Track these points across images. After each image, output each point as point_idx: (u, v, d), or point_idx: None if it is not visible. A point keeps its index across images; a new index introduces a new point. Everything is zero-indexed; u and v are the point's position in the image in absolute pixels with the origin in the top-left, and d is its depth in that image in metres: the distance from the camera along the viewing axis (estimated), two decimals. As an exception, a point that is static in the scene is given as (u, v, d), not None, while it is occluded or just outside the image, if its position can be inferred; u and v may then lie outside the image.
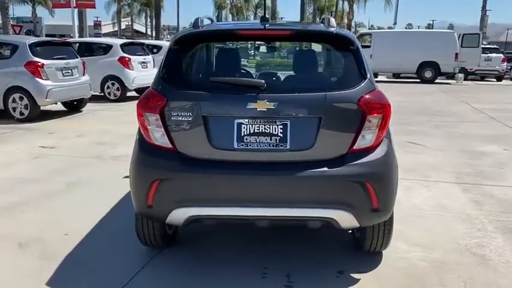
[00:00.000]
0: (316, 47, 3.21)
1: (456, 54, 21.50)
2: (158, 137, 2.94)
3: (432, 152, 6.80)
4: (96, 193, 4.71)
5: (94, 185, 4.98)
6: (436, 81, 21.90)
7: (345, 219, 2.87)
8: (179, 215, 2.93)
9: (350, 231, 3.59)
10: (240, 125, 2.86)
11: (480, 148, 7.10)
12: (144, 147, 3.00)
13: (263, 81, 2.87)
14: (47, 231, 3.77)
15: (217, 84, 2.94)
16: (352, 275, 3.13)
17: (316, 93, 2.88)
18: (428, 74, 22.04)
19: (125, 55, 12.32)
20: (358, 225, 2.95)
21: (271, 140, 2.86)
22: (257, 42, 3.24)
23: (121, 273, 3.13)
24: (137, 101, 3.04)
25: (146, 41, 17.96)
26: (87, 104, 10.52)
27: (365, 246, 3.31)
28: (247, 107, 2.83)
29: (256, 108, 2.82)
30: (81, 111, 10.27)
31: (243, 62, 3.16)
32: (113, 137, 7.36)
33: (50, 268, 3.17)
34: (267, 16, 3.23)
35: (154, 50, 15.27)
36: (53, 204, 4.40)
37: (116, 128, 8.07)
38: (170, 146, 2.93)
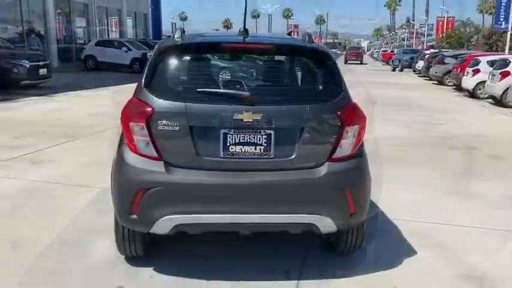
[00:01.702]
0: (296, 60, 3.35)
1: None
2: (143, 146, 2.98)
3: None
4: None
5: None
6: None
7: (325, 224, 3.03)
8: (165, 224, 2.97)
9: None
10: (225, 134, 2.96)
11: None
12: (128, 157, 3.02)
13: (248, 93, 2.98)
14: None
15: (203, 94, 3.02)
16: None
17: (298, 105, 3.02)
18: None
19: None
20: (336, 229, 3.12)
21: (255, 149, 2.98)
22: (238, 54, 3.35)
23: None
24: (122, 110, 3.06)
25: None
26: None
27: (340, 247, 3.48)
28: (234, 118, 2.93)
29: (243, 119, 2.93)
30: None
31: (226, 72, 3.25)
32: None
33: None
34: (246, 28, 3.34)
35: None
36: None
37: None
38: (156, 155, 2.97)
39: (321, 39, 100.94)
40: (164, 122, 2.94)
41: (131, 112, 3.01)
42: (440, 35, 50.80)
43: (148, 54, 20.42)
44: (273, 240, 3.63)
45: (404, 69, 32.69)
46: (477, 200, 5.02)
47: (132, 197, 2.97)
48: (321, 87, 3.15)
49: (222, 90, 3.05)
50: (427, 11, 63.09)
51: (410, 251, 3.69)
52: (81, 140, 7.55)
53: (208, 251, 3.57)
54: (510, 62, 14.19)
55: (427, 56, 25.94)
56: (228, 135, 2.96)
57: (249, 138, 2.97)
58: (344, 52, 60.64)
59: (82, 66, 23.10)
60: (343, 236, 3.37)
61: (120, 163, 3.06)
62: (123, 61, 22.48)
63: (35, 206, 4.51)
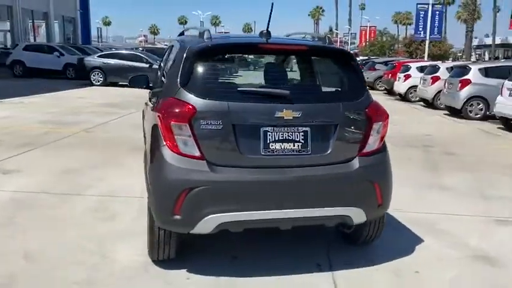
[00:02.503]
0: (325, 61, 3.50)
1: None
2: (186, 146, 2.97)
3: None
4: None
5: None
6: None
7: (358, 216, 3.21)
8: (209, 223, 2.98)
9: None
10: (266, 132, 3.04)
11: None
12: (170, 157, 2.99)
13: (288, 91, 3.09)
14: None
15: (244, 93, 3.08)
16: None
17: (332, 103, 3.19)
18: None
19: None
20: (366, 219, 3.31)
21: (294, 146, 3.09)
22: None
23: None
24: (160, 110, 3.03)
25: None
26: None
27: (361, 238, 3.67)
28: (275, 116, 3.02)
29: (283, 117, 3.03)
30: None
31: (261, 72, 3.32)
32: None
33: None
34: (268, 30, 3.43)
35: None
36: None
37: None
38: (198, 154, 2.98)
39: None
40: (207, 121, 2.96)
41: (172, 112, 2.99)
42: (364, 44, 53.93)
43: (87, 59, 19.64)
44: (292, 236, 3.75)
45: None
46: (452, 191, 5.49)
47: (175, 197, 2.95)
48: (349, 86, 3.33)
49: (263, 89, 3.13)
50: (349, 20, 66.60)
51: (417, 239, 3.97)
52: (43, 149, 7.12)
53: (234, 250, 3.61)
54: (439, 67, 15.43)
55: (358, 63, 27.36)
56: (268, 133, 3.05)
57: (288, 136, 3.08)
58: None
59: (8, 73, 21.55)
60: (366, 227, 3.56)
61: (160, 164, 3.02)
62: (55, 67, 21.30)
63: (31, 217, 4.23)
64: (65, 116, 10.49)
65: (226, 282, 3.17)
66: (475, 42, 58.35)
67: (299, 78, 3.41)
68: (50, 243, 3.68)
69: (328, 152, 3.15)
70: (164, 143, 3.04)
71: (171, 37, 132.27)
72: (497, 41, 55.30)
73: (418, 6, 32.01)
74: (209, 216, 2.97)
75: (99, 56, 19.85)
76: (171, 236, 3.20)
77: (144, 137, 5.61)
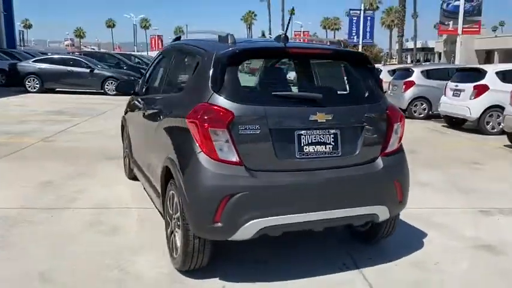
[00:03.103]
0: (349, 64, 3.56)
1: None
2: (225, 151, 2.93)
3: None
4: None
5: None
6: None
7: (383, 213, 3.33)
8: (250, 229, 2.96)
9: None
10: (300, 136, 3.08)
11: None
12: (209, 164, 2.93)
13: (321, 94, 3.14)
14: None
15: (278, 97, 3.08)
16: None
17: (358, 105, 3.29)
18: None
19: None
20: (389, 216, 3.44)
21: (325, 148, 3.15)
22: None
23: None
24: (194, 116, 2.96)
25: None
26: None
27: (378, 235, 3.79)
28: (309, 119, 3.06)
29: (317, 120, 3.08)
30: None
31: (292, 76, 3.34)
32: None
33: None
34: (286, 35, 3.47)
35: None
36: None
37: None
38: (237, 160, 2.94)
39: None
40: (245, 126, 2.94)
41: (210, 118, 2.93)
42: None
43: (21, 64, 18.37)
44: (310, 240, 3.80)
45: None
46: (431, 186, 5.82)
47: (216, 205, 2.90)
48: (370, 88, 3.44)
49: (297, 93, 3.15)
50: (282, 25, 67.69)
51: (420, 233, 4.18)
52: (5, 160, 6.61)
53: (262, 255, 3.59)
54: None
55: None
56: (302, 136, 3.09)
57: (320, 138, 3.14)
58: None
59: None
60: (384, 224, 3.68)
61: (198, 172, 2.94)
62: (-19, 73, 19.74)
63: (27, 235, 3.93)
64: (12, 125, 9.78)
65: (265, 287, 3.15)
66: (397, 46, 62.23)
67: (326, 81, 3.47)
68: (60, 262, 3.44)
69: (356, 153, 3.25)
70: (200, 150, 2.96)
71: (98, 40, 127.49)
72: (418, 45, 59.85)
73: (351, 12, 33.49)
74: (250, 222, 2.94)
75: (35, 61, 18.72)
76: (205, 245, 3.12)
77: (128, 146, 5.42)
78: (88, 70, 18.39)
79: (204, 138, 2.94)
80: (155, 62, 4.90)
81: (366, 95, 3.40)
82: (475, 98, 10.65)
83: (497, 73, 10.80)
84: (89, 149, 7.63)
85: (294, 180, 3.06)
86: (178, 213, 3.18)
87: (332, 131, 3.16)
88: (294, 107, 3.10)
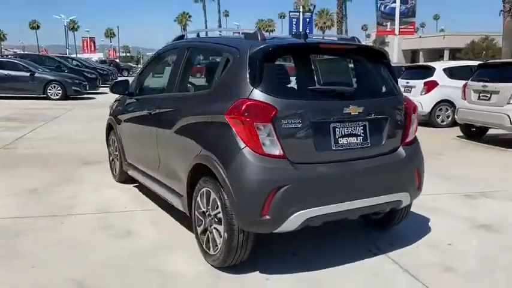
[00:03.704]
0: (371, 59, 3.72)
1: None
2: (269, 146, 2.99)
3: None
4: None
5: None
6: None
7: (406, 199, 3.55)
8: (295, 220, 3.03)
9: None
10: (334, 128, 3.20)
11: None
12: (254, 158, 2.97)
13: (352, 88, 3.28)
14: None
15: (315, 91, 3.19)
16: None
17: (383, 98, 3.48)
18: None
19: None
20: (409, 202, 3.66)
21: (357, 139, 3.30)
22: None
23: None
24: (238, 112, 2.98)
25: None
26: None
27: (393, 221, 3.99)
28: (344, 112, 3.20)
29: (350, 113, 3.22)
30: None
31: (323, 70, 3.45)
32: None
33: None
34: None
35: None
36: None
37: None
38: (281, 153, 3.01)
39: (115, 52, 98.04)
40: (287, 120, 3.02)
41: (254, 113, 2.97)
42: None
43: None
44: (330, 231, 3.94)
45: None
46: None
47: (264, 198, 2.95)
48: (389, 82, 3.64)
49: (332, 87, 3.27)
50: (220, 26, 67.79)
51: (424, 219, 4.44)
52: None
53: (290, 247, 3.66)
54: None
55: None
56: (337, 129, 3.22)
57: (351, 130, 3.28)
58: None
59: None
60: (399, 210, 3.90)
61: (245, 166, 2.98)
62: None
63: (36, 244, 3.73)
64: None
65: (307, 277, 3.23)
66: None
67: (353, 75, 3.62)
68: (90, 268, 3.31)
69: (382, 143, 3.43)
70: (244, 145, 2.99)
71: (22, 43, 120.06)
72: None
73: (291, 14, 34.33)
74: (295, 214, 3.02)
75: (-33, 65, 17.36)
76: (248, 239, 3.15)
77: (120, 148, 5.25)
78: (28, 74, 17.36)
79: (249, 133, 2.97)
80: (155, 61, 4.80)
81: (387, 88, 3.60)
82: (425, 93, 11.30)
83: (444, 70, 11.53)
84: (59, 154, 7.28)
85: (333, 171, 3.17)
86: (219, 209, 3.18)
87: (362, 123, 3.31)
88: (329, 101, 3.23)
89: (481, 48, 39.49)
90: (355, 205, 3.26)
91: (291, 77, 3.29)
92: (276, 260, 3.48)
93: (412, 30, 23.88)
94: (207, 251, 3.38)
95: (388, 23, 22.13)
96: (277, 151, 3.00)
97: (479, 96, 8.90)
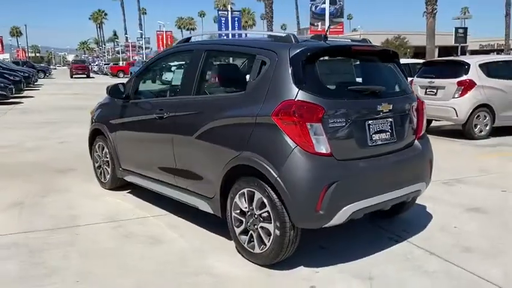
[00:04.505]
0: (390, 60, 3.96)
1: None
2: (319, 144, 3.14)
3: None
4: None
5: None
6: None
7: (423, 188, 3.89)
8: (344, 213, 3.22)
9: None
10: (369, 125, 3.43)
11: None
12: (307, 157, 3.10)
13: (384, 87, 3.53)
14: None
15: (353, 91, 3.39)
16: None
17: (404, 96, 3.77)
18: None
19: None
20: (424, 191, 3.99)
21: (386, 135, 3.56)
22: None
23: None
24: (290, 112, 3.09)
25: None
26: None
27: (402, 210, 4.29)
28: (377, 109, 3.44)
29: (383, 110, 3.47)
30: None
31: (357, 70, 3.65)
32: None
33: None
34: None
35: None
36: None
37: None
38: (329, 151, 3.17)
39: (24, 52, 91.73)
40: (333, 119, 3.20)
41: (305, 113, 3.11)
42: (162, 48, 54.56)
43: None
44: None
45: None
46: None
47: (318, 194, 3.10)
48: (403, 81, 3.94)
49: (368, 86, 3.49)
50: (140, 24, 65.83)
51: (420, 206, 4.78)
52: None
53: (315, 241, 3.82)
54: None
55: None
56: (371, 126, 3.45)
57: (381, 127, 3.54)
58: (69, 66, 58.13)
59: None
60: (410, 199, 4.22)
61: (299, 165, 3.11)
62: None
63: (70, 256, 3.58)
64: None
65: (348, 267, 3.41)
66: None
67: (381, 74, 3.84)
68: (140, 276, 3.25)
69: (404, 138, 3.72)
70: (295, 145, 3.11)
71: None
72: None
73: (220, 13, 34.30)
74: (344, 208, 3.20)
75: None
76: (297, 235, 3.28)
77: (114, 155, 5.08)
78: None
79: (301, 133, 3.10)
80: (156, 64, 4.68)
81: (404, 86, 3.90)
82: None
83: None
84: (23, 164, 6.81)
85: (372, 166, 3.40)
86: (266, 208, 3.26)
87: (389, 120, 3.58)
88: (365, 100, 3.45)
89: (394, 47, 42.49)
90: (389, 196, 3.52)
91: (329, 78, 3.46)
92: (308, 253, 3.63)
93: (341, 30, 25.07)
94: (251, 250, 3.44)
95: (320, 23, 23.04)
96: (325, 149, 3.16)
97: (425, 92, 9.60)
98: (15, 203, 4.89)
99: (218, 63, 4.10)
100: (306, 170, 3.11)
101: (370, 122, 3.43)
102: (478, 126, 9.16)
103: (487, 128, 9.24)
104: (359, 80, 3.78)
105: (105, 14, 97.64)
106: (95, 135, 5.52)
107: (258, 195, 3.32)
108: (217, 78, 4.07)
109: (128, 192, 5.30)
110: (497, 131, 9.41)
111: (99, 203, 4.97)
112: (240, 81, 3.70)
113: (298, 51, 3.30)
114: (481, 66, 9.28)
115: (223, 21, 34.48)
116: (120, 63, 55.84)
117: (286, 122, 3.14)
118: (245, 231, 3.50)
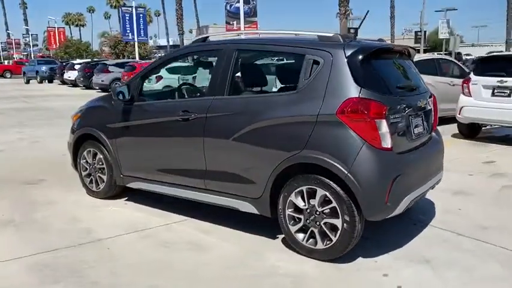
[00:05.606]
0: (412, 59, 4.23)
1: None
2: (384, 140, 3.32)
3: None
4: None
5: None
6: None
7: (442, 176, 4.26)
8: (404, 203, 3.46)
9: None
10: (411, 120, 3.70)
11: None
12: (376, 152, 3.27)
13: (417, 83, 3.83)
14: None
15: (400, 88, 3.63)
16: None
17: (426, 91, 4.12)
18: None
19: None
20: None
21: (420, 129, 3.87)
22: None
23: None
24: (357, 110, 3.23)
25: None
26: None
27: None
28: (417, 105, 3.73)
29: (421, 106, 3.76)
30: None
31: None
32: None
33: None
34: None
35: None
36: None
37: None
38: (391, 146, 3.36)
39: None
40: (393, 115, 3.42)
41: (372, 110, 3.27)
42: (55, 46, 50.54)
43: None
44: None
45: (44, 81, 31.40)
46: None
47: (387, 187, 3.29)
48: (421, 78, 4.27)
49: (411, 83, 3.75)
50: (25, 20, 60.17)
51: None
52: None
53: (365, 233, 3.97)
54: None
55: (82, 66, 26.18)
56: (412, 120, 3.72)
57: (418, 121, 3.84)
58: None
59: None
60: None
61: (370, 160, 3.27)
62: None
63: (115, 273, 3.34)
64: None
65: (400, 254, 3.63)
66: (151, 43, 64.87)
67: (408, 71, 4.07)
68: (209, 283, 3.15)
69: (429, 130, 4.06)
70: (364, 141, 3.24)
71: None
72: (171, 42, 64.28)
73: (123, 9, 32.86)
74: (405, 198, 3.44)
75: None
76: (363, 228, 3.41)
77: (113, 161, 4.77)
78: None
79: (370, 130, 3.25)
80: (165, 65, 4.44)
81: (422, 83, 4.23)
82: None
83: None
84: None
85: (419, 157, 3.71)
86: (332, 204, 3.34)
87: (421, 114, 3.88)
88: (410, 96, 3.72)
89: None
90: (430, 184, 3.88)
91: (381, 76, 3.65)
92: (358, 245, 3.67)
93: (256, 29, 25.63)
94: (311, 247, 3.50)
95: (235, 22, 23.29)
96: (389, 144, 3.34)
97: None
98: (4, 222, 4.34)
99: (259, 62, 4.07)
100: (375, 165, 3.26)
101: (412, 117, 3.69)
102: None
103: None
104: (397, 77, 4.02)
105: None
106: (80, 142, 5.08)
107: (320, 192, 3.39)
108: (256, 78, 4.03)
109: (126, 200, 4.99)
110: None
111: (106, 213, 4.62)
112: (291, 81, 3.70)
113: (353, 50, 3.42)
114: None
115: (127, 18, 33.16)
116: (6, 62, 50.69)
117: (354, 119, 3.25)
118: (302, 229, 3.54)
